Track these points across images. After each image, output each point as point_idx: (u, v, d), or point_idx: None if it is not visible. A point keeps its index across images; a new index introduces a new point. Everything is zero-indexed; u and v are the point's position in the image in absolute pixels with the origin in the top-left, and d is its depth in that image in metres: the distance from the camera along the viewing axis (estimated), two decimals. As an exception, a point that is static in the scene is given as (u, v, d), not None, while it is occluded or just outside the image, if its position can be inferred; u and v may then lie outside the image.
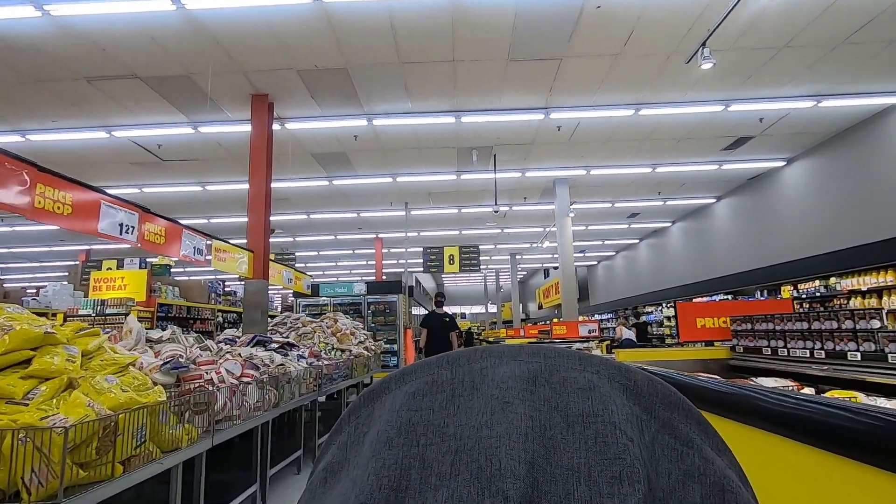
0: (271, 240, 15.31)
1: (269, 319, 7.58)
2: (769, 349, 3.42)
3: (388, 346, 11.30)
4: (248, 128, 6.73)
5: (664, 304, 15.20)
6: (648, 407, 0.26)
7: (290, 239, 15.53)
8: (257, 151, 6.57)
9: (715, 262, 12.36)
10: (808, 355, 3.04)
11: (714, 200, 12.47)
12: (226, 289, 12.55)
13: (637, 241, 17.93)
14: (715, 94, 7.06)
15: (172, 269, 13.39)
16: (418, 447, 0.23)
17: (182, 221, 4.96)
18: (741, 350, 3.77)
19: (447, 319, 7.20)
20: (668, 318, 14.83)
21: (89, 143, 7.87)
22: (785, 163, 9.79)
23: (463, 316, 42.64)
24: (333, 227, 14.42)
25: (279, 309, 14.04)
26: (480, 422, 0.24)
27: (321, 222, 13.56)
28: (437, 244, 14.59)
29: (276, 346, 5.26)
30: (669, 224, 15.16)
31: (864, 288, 7.40)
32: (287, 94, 6.71)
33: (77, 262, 14.44)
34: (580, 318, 11.14)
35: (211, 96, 6.65)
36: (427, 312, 7.59)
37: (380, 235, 15.72)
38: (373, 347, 7.80)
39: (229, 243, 5.61)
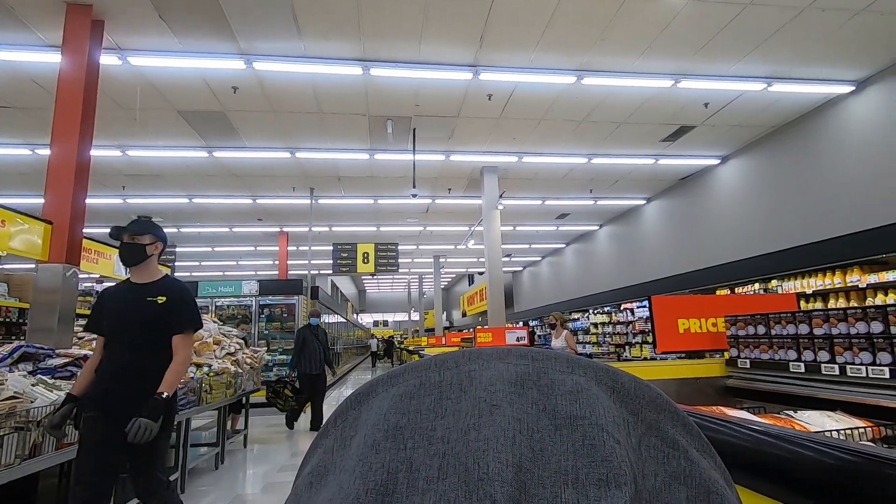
0: (148, 230, 12.79)
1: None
2: (800, 364, 2.23)
3: (283, 356, 9.41)
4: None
5: (591, 311, 14.57)
6: (635, 409, 0.26)
7: (174, 230, 13.05)
8: (73, 75, 4.60)
9: (644, 266, 11.80)
10: (886, 375, 1.86)
11: (644, 202, 11.94)
12: (82, 286, 9.96)
13: (564, 245, 17.34)
14: (666, 66, 6.15)
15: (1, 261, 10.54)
16: (406, 451, 0.23)
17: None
18: (746, 364, 2.58)
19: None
20: (596, 326, 14.19)
21: None
22: (719, 161, 9.30)
23: (385, 324, 40.78)
24: (227, 217, 12.23)
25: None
26: (468, 425, 0.23)
27: (209, 209, 11.35)
28: (350, 241, 12.87)
29: (60, 361, 3.41)
30: (597, 227, 14.60)
31: (809, 291, 6.82)
32: (123, 7, 4.82)
33: None
34: (508, 325, 9.95)
35: (8, 3, 4.61)
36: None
37: (285, 229, 13.68)
38: (250, 360, 6.00)
39: (-6, 204, 3.62)
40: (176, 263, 11.72)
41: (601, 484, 0.21)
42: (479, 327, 9.05)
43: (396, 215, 12.59)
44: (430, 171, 9.38)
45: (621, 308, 12.62)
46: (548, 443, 0.22)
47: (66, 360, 3.45)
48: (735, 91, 6.74)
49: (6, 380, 2.55)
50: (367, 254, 11.86)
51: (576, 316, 16.07)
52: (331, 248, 12.90)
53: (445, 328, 25.21)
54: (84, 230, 4.54)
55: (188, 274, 19.66)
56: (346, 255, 11.71)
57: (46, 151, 7.72)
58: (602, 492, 0.21)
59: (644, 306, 11.52)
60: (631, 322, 12.11)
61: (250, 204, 10.98)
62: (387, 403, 0.26)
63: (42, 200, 4.36)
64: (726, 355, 2.77)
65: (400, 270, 21.86)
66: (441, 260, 19.46)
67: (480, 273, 23.34)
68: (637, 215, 12.36)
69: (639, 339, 11.71)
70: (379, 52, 5.70)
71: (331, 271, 13.38)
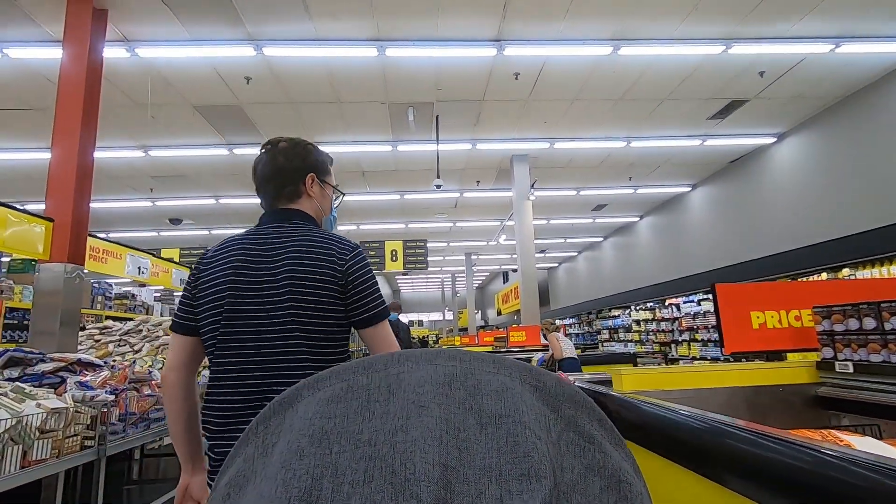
0: (180, 232, 12.90)
1: (112, 325, 5.39)
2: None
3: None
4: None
5: (633, 307, 13.75)
6: (555, 406, 0.27)
7: (205, 232, 13.12)
8: (75, 66, 4.40)
9: (690, 258, 10.94)
10: None
11: (689, 189, 11.08)
12: (117, 291, 10.05)
13: (601, 238, 16.51)
14: (715, 30, 5.47)
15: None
16: (331, 455, 0.23)
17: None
18: (848, 368, 2.01)
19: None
20: (638, 323, 13.37)
21: None
22: (775, 139, 8.42)
23: (420, 323, 40.62)
24: (254, 218, 11.94)
25: (160, 313, 11.45)
26: (396, 426, 0.24)
27: (236, 210, 11.28)
28: (378, 238, 12.59)
29: (50, 367, 3.16)
30: (637, 218, 13.76)
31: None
32: (126, -5, 4.60)
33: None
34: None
35: (9, -5, 4.46)
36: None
37: (313, 229, 13.52)
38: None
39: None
40: (207, 265, 11.74)
41: (523, 478, 0.22)
42: (511, 326, 8.54)
43: (424, 211, 12.20)
44: (456, 162, 8.92)
45: (666, 304, 11.79)
46: (473, 441, 0.23)
47: (58, 364, 3.20)
48: (795, 55, 5.96)
49: (-33, 389, 2.27)
50: (396, 251, 11.53)
51: (616, 313, 15.25)
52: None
53: (480, 327, 24.70)
54: (115, 234, 4.34)
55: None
56: (373, 253, 11.41)
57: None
58: (524, 485, 0.21)
59: (691, 301, 10.69)
60: (677, 318, 11.28)
61: (276, 203, 10.81)
62: (312, 408, 0.26)
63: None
64: (816, 356, 2.19)
65: (432, 269, 21.57)
66: (473, 257, 18.97)
67: (514, 270, 22.71)
68: (681, 204, 11.50)
69: (686, 336, 10.87)
70: (394, 31, 5.29)
71: (360, 270, 13.16)
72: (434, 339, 29.87)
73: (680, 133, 8.15)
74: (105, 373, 3.27)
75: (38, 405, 2.43)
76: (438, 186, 7.27)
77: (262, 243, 1.18)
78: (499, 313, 24.84)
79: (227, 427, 1.11)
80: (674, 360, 10.94)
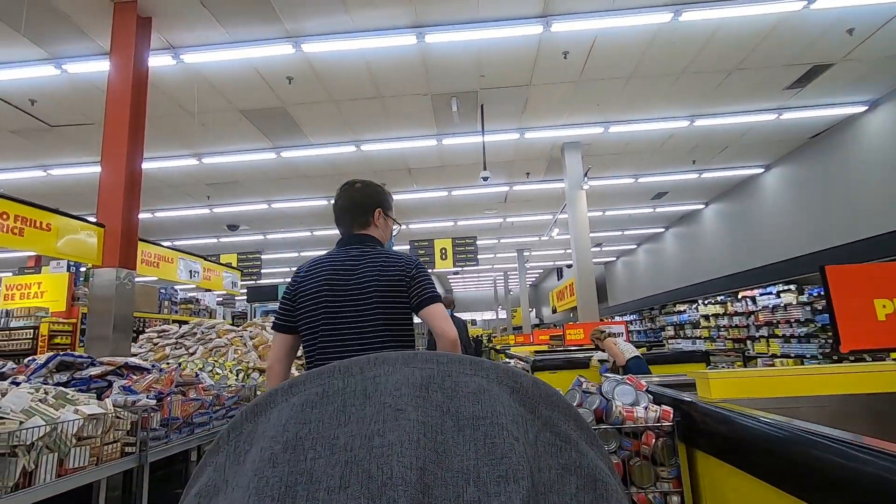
0: (237, 238, 13.35)
1: (171, 328, 5.49)
2: None
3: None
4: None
5: (700, 301, 12.79)
6: (532, 407, 0.27)
7: (261, 237, 13.50)
8: (122, 75, 4.48)
9: (766, 246, 9.96)
10: None
11: (762, 170, 10.10)
12: (182, 296, 10.51)
13: (662, 229, 15.53)
14: (793, -17, 4.82)
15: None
16: (306, 462, 0.23)
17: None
18: None
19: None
20: (707, 318, 12.41)
21: (-67, 98, 5.88)
22: (867, 107, 7.44)
23: (474, 322, 40.34)
24: (306, 221, 12.34)
25: (222, 316, 11.79)
26: (372, 431, 0.23)
27: (288, 213, 11.48)
28: (427, 237, 12.44)
29: (97, 371, 3.15)
30: (703, 206, 12.78)
31: None
32: (168, 3, 4.63)
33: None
34: (603, 320, 8.82)
35: (63, 10, 4.60)
36: None
37: (363, 230, 13.58)
38: (318, 364, 5.62)
39: (36, 207, 3.47)
40: (263, 270, 12.05)
41: (501, 480, 0.22)
42: (568, 324, 8.07)
43: (473, 207, 11.91)
44: (503, 154, 8.57)
45: (739, 296, 10.83)
46: (451, 444, 0.23)
47: (106, 368, 3.18)
48: (891, 6, 5.16)
49: None
50: (445, 249, 11.32)
51: (681, 308, 14.28)
52: (408, 246, 12.55)
53: (535, 325, 24.08)
54: (179, 241, 4.41)
55: (282, 280, 20.58)
56: (422, 252, 11.26)
57: (155, 164, 8.10)
58: (501, 487, 0.21)
59: (769, 293, 9.73)
60: (752, 312, 10.32)
61: (325, 205, 10.91)
62: (286, 413, 0.26)
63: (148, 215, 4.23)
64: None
65: (483, 267, 21.24)
66: (525, 254, 18.46)
67: (569, 266, 21.94)
68: (753, 187, 10.52)
69: (764, 331, 9.91)
70: (432, 15, 5.04)
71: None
72: (487, 338, 29.51)
73: (752, 107, 7.38)
74: (151, 376, 3.23)
75: (76, 411, 2.36)
76: (486, 179, 6.96)
77: (347, 260, 1.62)
78: (554, 311, 24.10)
79: None
80: (751, 359, 10.00)
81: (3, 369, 3.30)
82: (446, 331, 1.55)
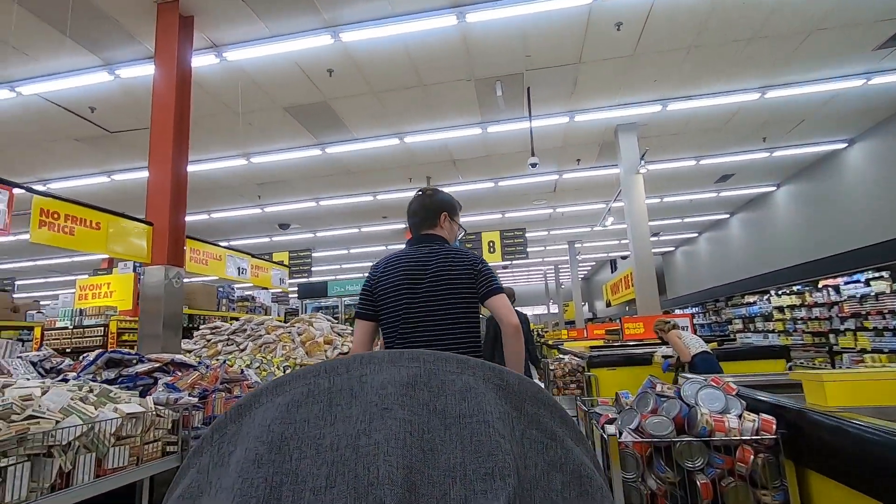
0: (288, 237, 13.64)
1: (217, 326, 5.56)
2: None
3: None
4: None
5: (773, 292, 11.78)
6: (518, 404, 0.27)
7: (311, 234, 13.73)
8: (166, 74, 4.51)
9: (851, 230, 8.96)
10: None
11: (844, 145, 9.09)
12: (239, 294, 10.85)
13: (727, 215, 14.47)
14: (890, -80, 4.16)
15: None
16: (291, 462, 0.22)
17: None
18: None
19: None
20: (781, 310, 11.41)
21: None
22: (976, 65, 6.46)
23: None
24: (354, 218, 12.41)
25: (276, 313, 12.00)
26: (359, 430, 0.23)
27: (335, 211, 11.57)
28: (474, 230, 12.20)
29: (144, 368, 3.14)
30: (773, 188, 11.75)
31: None
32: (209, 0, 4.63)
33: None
34: (664, 313, 8.25)
35: (110, 13, 4.71)
36: None
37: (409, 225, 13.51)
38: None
39: (86, 206, 3.52)
40: (313, 269, 12.23)
41: (487, 477, 0.22)
42: (626, 317, 7.58)
43: (521, 198, 11.53)
44: (552, 140, 8.16)
45: (819, 286, 9.85)
46: (438, 442, 0.23)
47: (152, 366, 3.17)
48: None
49: (32, 393, 2.19)
50: (493, 242, 11.02)
51: (750, 299, 13.24)
52: (456, 243, 12.35)
53: (588, 320, 23.28)
54: (235, 241, 4.45)
55: (332, 277, 21.00)
56: (470, 245, 11.02)
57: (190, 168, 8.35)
58: (488, 484, 0.22)
59: (856, 281, 8.75)
60: (836, 303, 9.34)
61: (371, 201, 10.89)
62: (271, 413, 0.25)
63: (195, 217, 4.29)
64: None
65: (533, 260, 20.71)
66: (577, 245, 17.81)
67: (624, 257, 21.00)
68: (834, 165, 9.50)
69: (850, 324, 8.94)
70: (473, -8, 4.77)
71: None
72: (538, 333, 28.86)
73: (834, 73, 6.59)
74: (196, 374, 3.19)
75: (115, 409, 2.31)
76: (534, 165, 6.61)
77: (420, 256, 1.82)
78: (608, 305, 23.20)
79: None
80: (837, 354, 9.06)
81: (62, 366, 3.36)
82: (509, 318, 1.77)
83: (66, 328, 8.62)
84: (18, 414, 1.97)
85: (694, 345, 4.53)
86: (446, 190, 7.37)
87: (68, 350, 5.98)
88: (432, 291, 1.77)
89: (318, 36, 5.14)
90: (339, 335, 5.57)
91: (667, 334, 4.78)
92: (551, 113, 7.25)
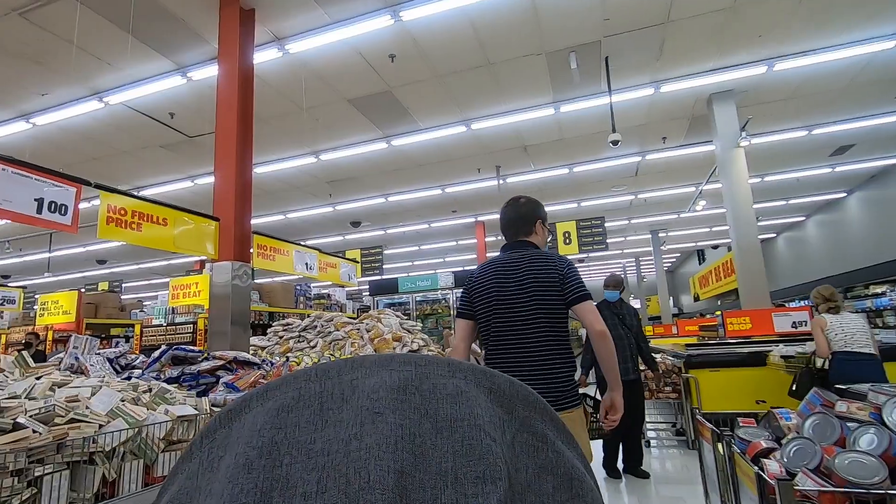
0: (360, 234, 13.76)
1: (290, 323, 5.52)
2: None
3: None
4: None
5: (908, 281, 10.03)
6: (509, 408, 0.27)
7: (381, 232, 13.77)
8: (229, 70, 4.47)
9: None
10: None
11: None
12: (316, 292, 11.12)
13: (843, 193, 12.61)
14: None
15: (257, 271, 12.46)
16: (282, 467, 0.22)
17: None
18: None
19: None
20: (919, 302, 9.68)
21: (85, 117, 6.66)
22: None
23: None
24: (423, 213, 12.24)
25: (351, 310, 12.04)
26: (350, 434, 0.23)
27: (404, 206, 11.45)
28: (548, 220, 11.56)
29: (206, 366, 3.02)
30: (905, 159, 9.99)
31: None
32: (267, -12, 4.53)
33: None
34: (778, 306, 7.18)
35: (175, 12, 4.77)
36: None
37: (480, 219, 13.14)
38: (437, 358, 5.22)
39: (152, 202, 3.49)
40: (385, 266, 12.24)
41: (478, 481, 0.22)
42: (729, 311, 6.66)
43: (599, 185, 10.72)
44: (634, 116, 7.39)
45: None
46: (429, 446, 0.23)
47: (215, 363, 3.04)
48: None
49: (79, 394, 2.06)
50: (569, 233, 10.33)
51: (877, 289, 11.43)
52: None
53: (675, 315, 21.59)
54: (311, 241, 4.37)
55: (403, 274, 21.12)
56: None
57: (263, 169, 8.56)
58: (479, 488, 0.22)
59: None
60: None
61: (440, 194, 10.63)
62: (261, 418, 0.25)
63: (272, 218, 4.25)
64: None
65: (612, 252, 19.47)
66: (661, 235, 16.47)
67: (715, 246, 19.20)
68: None
69: None
70: (543, -52, 4.27)
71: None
72: (620, 329, 27.28)
73: None
74: (257, 372, 3.02)
75: (167, 412, 2.14)
76: (615, 143, 5.94)
77: (510, 262, 1.98)
78: (696, 299, 21.35)
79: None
80: None
81: (136, 362, 3.35)
82: (594, 324, 1.85)
83: (160, 325, 9.17)
84: (63, 416, 1.83)
85: (840, 339, 3.50)
86: (517, 179, 6.86)
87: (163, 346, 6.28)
88: (518, 294, 1.90)
89: (377, 17, 4.89)
90: (409, 332, 5.32)
91: (818, 315, 3.80)
92: (633, 85, 6.52)
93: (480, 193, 10.61)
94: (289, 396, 0.26)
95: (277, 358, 4.66)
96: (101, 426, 1.86)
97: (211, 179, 8.72)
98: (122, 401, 2.11)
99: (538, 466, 0.25)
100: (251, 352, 4.66)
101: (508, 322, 1.89)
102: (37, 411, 1.78)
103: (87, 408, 1.93)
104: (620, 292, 3.99)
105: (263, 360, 3.48)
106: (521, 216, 2.04)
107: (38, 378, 2.26)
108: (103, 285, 13.54)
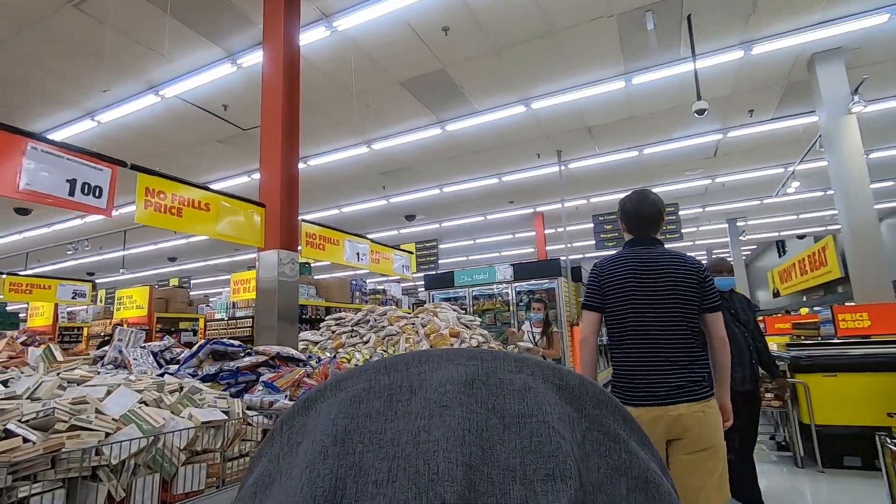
0: (413, 228, 13.49)
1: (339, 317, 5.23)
2: None
3: (546, 350, 8.04)
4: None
5: None
6: (579, 405, 0.27)
7: (437, 225, 13.44)
8: (275, 51, 4.20)
9: None
10: None
11: None
12: (371, 287, 10.99)
13: (968, 172, 10.82)
14: None
15: (314, 267, 12.47)
16: (354, 455, 0.23)
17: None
18: None
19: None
20: None
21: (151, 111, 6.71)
22: None
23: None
24: (479, 204, 11.77)
25: (405, 305, 11.78)
26: (418, 426, 0.24)
27: (460, 197, 11.02)
28: (613, 210, 10.71)
29: (247, 362, 2.73)
30: None
31: None
32: (311, -43, 4.23)
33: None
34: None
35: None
36: None
37: (538, 209, 12.48)
38: (498, 356, 4.75)
39: (193, 185, 3.25)
40: (440, 261, 11.89)
41: (548, 479, 0.22)
42: (840, 306, 5.70)
43: (671, 169, 9.78)
44: (717, 87, 6.53)
45: None
46: (497, 441, 0.23)
47: (256, 360, 2.74)
48: None
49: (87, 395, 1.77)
50: (637, 222, 9.51)
51: None
52: (591, 223, 11.01)
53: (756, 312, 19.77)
54: (357, 234, 4.13)
55: (459, 268, 20.74)
56: (609, 226, 9.63)
57: (315, 161, 8.41)
58: (549, 486, 0.21)
59: None
60: None
61: (497, 183, 10.11)
62: (335, 408, 0.26)
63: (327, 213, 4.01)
64: None
65: (685, 243, 18.09)
66: (739, 224, 15.05)
67: (800, 236, 17.38)
68: None
69: None
70: None
71: (595, 251, 11.48)
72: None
73: None
74: (300, 370, 2.69)
75: (190, 416, 1.82)
76: (701, 112, 5.19)
77: (647, 258, 1.98)
78: (775, 295, 19.45)
79: (638, 366, 1.92)
80: None
81: (180, 356, 3.14)
82: (718, 332, 1.98)
83: (222, 320, 9.28)
84: (64, 422, 1.54)
85: None
86: (580, 164, 6.13)
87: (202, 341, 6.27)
88: (658, 292, 1.93)
89: (429, -17, 4.47)
90: (467, 327, 4.88)
91: None
92: (719, 48, 5.71)
93: (540, 181, 9.98)
94: (360, 388, 0.27)
95: (328, 353, 4.38)
96: (107, 434, 1.55)
97: (266, 173, 8.71)
98: (142, 402, 1.81)
99: (610, 467, 0.24)
100: (302, 347, 4.39)
101: (647, 318, 1.92)
102: (33, 416, 1.49)
103: (95, 411, 1.63)
104: (732, 277, 3.25)
105: (310, 356, 3.16)
106: (659, 212, 2.04)
107: (58, 374, 2.02)
108: (174, 281, 14.14)
